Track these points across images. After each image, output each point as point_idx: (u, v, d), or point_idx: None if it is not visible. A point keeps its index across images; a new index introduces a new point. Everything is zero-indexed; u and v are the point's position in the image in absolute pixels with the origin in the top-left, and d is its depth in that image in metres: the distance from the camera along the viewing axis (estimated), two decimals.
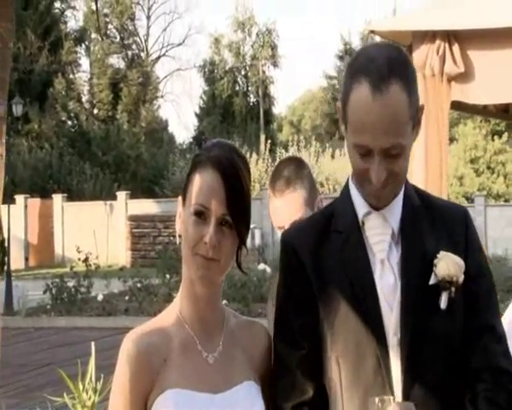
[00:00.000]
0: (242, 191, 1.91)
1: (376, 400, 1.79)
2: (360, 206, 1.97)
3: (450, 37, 4.29)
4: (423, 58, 4.32)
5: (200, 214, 1.89)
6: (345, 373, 1.92)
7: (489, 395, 1.92)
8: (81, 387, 4.61)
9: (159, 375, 1.89)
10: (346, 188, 2.02)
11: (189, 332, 1.96)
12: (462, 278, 1.92)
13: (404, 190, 1.98)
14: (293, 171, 2.88)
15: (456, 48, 4.28)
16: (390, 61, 1.86)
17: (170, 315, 1.99)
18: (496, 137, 32.08)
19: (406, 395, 1.89)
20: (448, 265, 1.91)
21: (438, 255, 1.92)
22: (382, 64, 1.85)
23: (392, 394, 1.89)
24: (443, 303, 1.91)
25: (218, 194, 1.88)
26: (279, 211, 2.86)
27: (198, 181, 1.91)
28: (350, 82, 1.88)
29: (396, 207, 1.97)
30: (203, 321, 1.97)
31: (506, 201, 29.00)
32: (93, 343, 4.86)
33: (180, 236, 1.94)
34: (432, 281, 1.91)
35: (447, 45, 4.29)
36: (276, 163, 3.01)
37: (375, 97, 1.83)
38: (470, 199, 27.70)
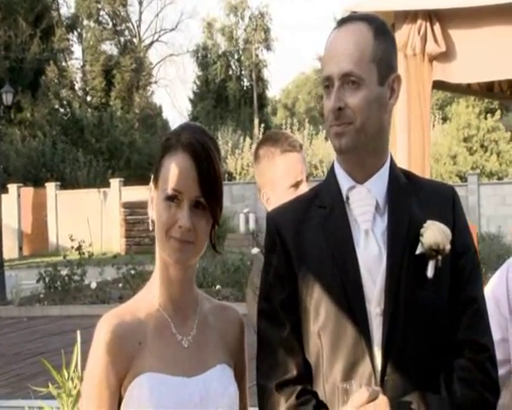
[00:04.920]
0: (214, 172, 1.92)
1: (339, 385, 1.78)
2: (344, 181, 2.00)
3: (432, 16, 4.26)
4: (405, 38, 4.29)
5: (173, 198, 1.90)
6: (326, 345, 1.93)
7: (465, 375, 1.92)
8: (66, 376, 4.59)
9: (134, 359, 1.89)
10: (332, 167, 2.04)
11: (163, 315, 1.96)
12: (448, 246, 1.92)
13: (389, 167, 2.01)
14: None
15: (437, 27, 4.26)
16: (364, 14, 2.03)
17: (143, 299, 1.99)
18: (489, 115, 32.01)
19: (385, 365, 1.90)
20: (435, 233, 1.91)
21: (424, 225, 1.93)
22: (355, 15, 2.03)
23: (373, 365, 1.90)
24: (429, 272, 1.91)
25: (190, 177, 1.89)
26: (295, 165, 2.78)
27: (169, 165, 1.91)
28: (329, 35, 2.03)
29: (380, 180, 1.99)
30: (177, 304, 1.97)
31: (499, 179, 28.98)
32: (79, 332, 4.82)
33: (153, 221, 1.94)
34: (418, 250, 1.92)
35: (428, 25, 4.27)
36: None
37: (339, 29, 1.99)
38: (464, 178, 27.69)
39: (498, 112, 32.44)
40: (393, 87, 1.98)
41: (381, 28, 1.99)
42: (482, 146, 31.45)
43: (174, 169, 1.89)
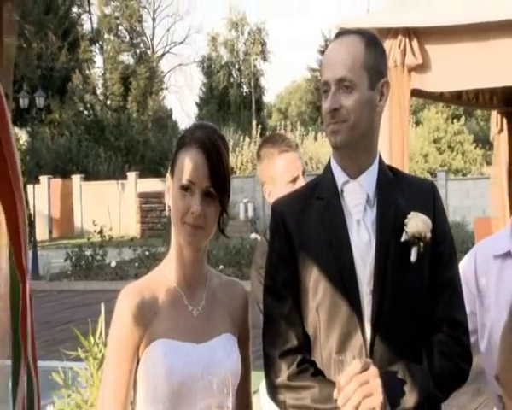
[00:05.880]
0: (223, 165, 1.92)
1: (335, 357, 1.78)
2: (339, 176, 1.99)
3: (410, 33, 4.28)
4: (387, 52, 4.25)
5: (187, 188, 1.90)
6: (323, 320, 1.92)
7: (443, 348, 1.92)
8: (92, 341, 4.58)
9: (149, 326, 1.90)
10: (328, 163, 2.03)
11: (177, 289, 1.96)
12: (429, 234, 1.92)
13: (378, 165, 2.00)
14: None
15: (415, 42, 4.28)
16: (357, 29, 2.01)
17: (160, 274, 1.99)
18: (455, 120, 32.09)
19: (374, 338, 1.90)
20: (417, 223, 1.91)
21: (408, 215, 1.93)
22: (350, 29, 2.02)
23: (364, 338, 1.89)
24: (413, 256, 1.91)
25: (202, 169, 1.89)
26: (292, 163, 2.76)
27: (184, 159, 1.91)
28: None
29: (371, 176, 1.98)
30: (189, 280, 1.97)
31: (464, 175, 29.00)
32: (103, 304, 4.81)
33: (169, 206, 1.95)
34: (403, 238, 1.92)
35: (407, 40, 4.29)
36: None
37: (336, 41, 1.99)
38: (434, 174, 27.68)
39: (463, 117, 32.53)
40: (382, 91, 1.96)
41: (372, 40, 1.98)
42: (449, 147, 31.46)
43: (188, 162, 1.89)
